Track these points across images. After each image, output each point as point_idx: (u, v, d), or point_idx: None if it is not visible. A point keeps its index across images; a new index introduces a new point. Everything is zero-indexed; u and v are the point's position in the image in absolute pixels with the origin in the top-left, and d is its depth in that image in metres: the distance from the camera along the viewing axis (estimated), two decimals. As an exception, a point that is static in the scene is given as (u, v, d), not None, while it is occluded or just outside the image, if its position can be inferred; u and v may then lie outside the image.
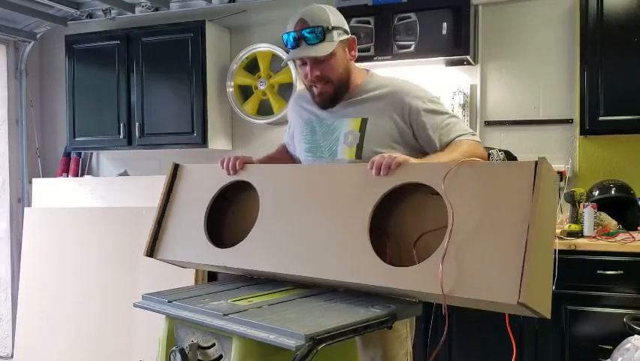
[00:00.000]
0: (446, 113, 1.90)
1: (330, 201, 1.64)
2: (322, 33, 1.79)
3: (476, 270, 1.36)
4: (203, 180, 1.96)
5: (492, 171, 1.43)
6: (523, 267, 1.28)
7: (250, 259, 1.75)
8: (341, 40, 1.85)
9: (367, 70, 2.00)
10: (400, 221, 1.63)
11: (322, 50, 1.80)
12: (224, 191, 1.94)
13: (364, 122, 1.85)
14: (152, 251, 1.97)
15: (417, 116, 1.85)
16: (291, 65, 1.88)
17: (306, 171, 1.73)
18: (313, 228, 1.64)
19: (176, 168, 2.03)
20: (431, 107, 1.87)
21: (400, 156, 1.62)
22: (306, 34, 1.78)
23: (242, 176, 1.87)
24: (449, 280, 1.38)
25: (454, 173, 1.44)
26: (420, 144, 1.88)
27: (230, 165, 1.88)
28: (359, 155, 1.83)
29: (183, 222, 1.93)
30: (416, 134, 1.86)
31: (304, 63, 1.85)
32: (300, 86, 3.83)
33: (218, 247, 1.85)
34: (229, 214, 2.00)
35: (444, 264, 1.38)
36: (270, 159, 2.17)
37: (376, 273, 1.51)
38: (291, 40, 1.80)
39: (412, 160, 1.63)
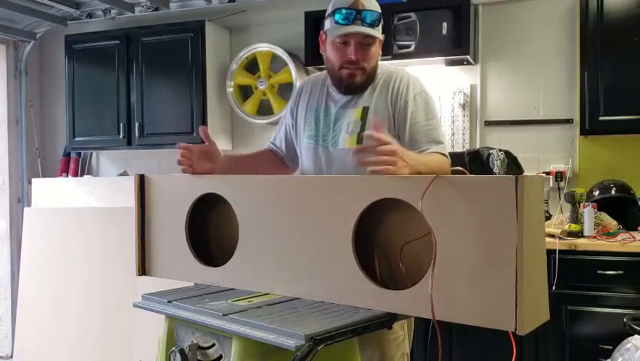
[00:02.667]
0: (431, 114, 1.88)
1: (310, 217, 1.58)
2: (378, 19, 1.82)
3: (468, 296, 1.32)
4: (175, 191, 1.89)
5: (471, 187, 1.34)
6: (516, 290, 1.25)
7: (240, 279, 1.71)
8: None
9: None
10: (385, 230, 1.58)
11: (376, 33, 1.83)
12: (200, 198, 1.87)
13: (365, 110, 1.88)
14: (143, 270, 1.94)
15: (404, 105, 1.86)
16: (329, 45, 1.78)
17: (279, 184, 1.67)
18: (297, 247, 1.60)
19: (142, 179, 1.95)
20: (419, 102, 1.87)
21: (404, 167, 1.50)
22: (367, 15, 1.79)
23: (213, 188, 1.80)
24: (442, 307, 1.35)
25: (432, 189, 1.36)
26: (395, 130, 1.87)
27: (184, 167, 1.87)
28: (359, 142, 1.84)
29: (166, 239, 1.88)
30: (395, 119, 1.86)
31: (346, 43, 1.83)
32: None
33: (206, 260, 1.82)
34: (209, 222, 1.94)
35: (433, 290, 1.34)
36: (246, 159, 2.18)
37: (367, 296, 1.48)
38: (351, 16, 1.79)
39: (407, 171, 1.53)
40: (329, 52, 1.89)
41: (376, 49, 1.87)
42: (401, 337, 1.88)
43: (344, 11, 1.79)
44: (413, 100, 1.86)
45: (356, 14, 1.79)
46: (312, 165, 1.97)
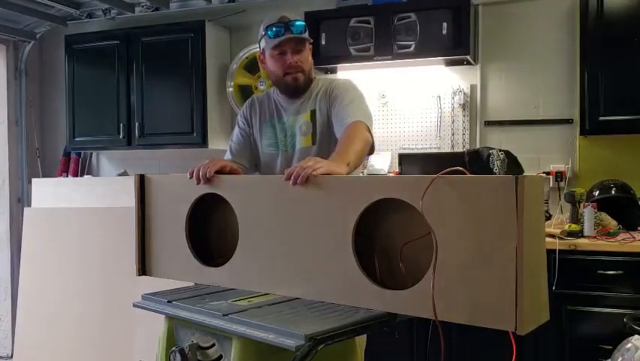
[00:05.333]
0: (354, 100, 2.08)
1: (310, 217, 1.58)
2: (304, 27, 2.09)
3: (468, 296, 1.32)
4: (175, 191, 1.89)
5: (471, 187, 1.33)
6: (516, 290, 1.25)
7: (240, 279, 1.72)
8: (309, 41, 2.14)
9: (315, 76, 2.24)
10: (385, 230, 1.58)
11: (305, 36, 2.09)
12: (201, 198, 1.86)
13: (313, 113, 2.13)
14: (143, 270, 1.95)
15: (334, 99, 2.09)
16: (269, 60, 1.90)
17: (279, 184, 1.66)
18: (297, 247, 1.60)
19: (142, 179, 1.95)
20: (346, 92, 2.09)
21: (321, 167, 1.59)
22: (295, 24, 2.05)
23: (213, 188, 1.78)
24: (442, 307, 1.35)
25: (432, 189, 1.35)
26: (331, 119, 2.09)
27: (200, 175, 1.79)
28: (314, 140, 2.11)
29: (166, 239, 1.88)
30: (329, 115, 2.09)
31: (282, 53, 2.07)
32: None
33: (206, 260, 1.82)
34: (209, 222, 1.94)
35: (434, 290, 1.34)
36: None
37: (367, 296, 1.49)
38: (281, 28, 2.05)
39: (335, 170, 1.63)
40: (270, 65, 2.14)
41: (308, 54, 2.14)
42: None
43: (275, 27, 2.06)
44: (341, 92, 2.11)
45: (285, 26, 2.05)
46: (275, 169, 2.17)
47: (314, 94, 2.16)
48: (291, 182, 1.59)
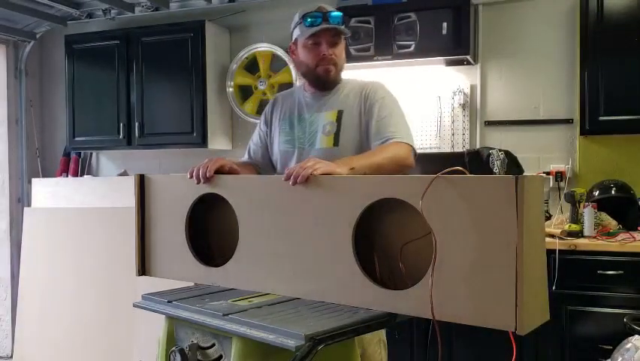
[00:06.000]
0: (394, 112, 1.99)
1: (310, 217, 1.58)
2: (342, 19, 2.00)
3: (468, 296, 1.32)
4: (175, 191, 1.88)
5: (471, 187, 1.33)
6: (516, 290, 1.25)
7: (240, 279, 1.72)
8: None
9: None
10: (385, 230, 1.58)
11: (343, 28, 2.00)
12: (201, 198, 1.86)
13: (340, 113, 2.02)
14: (143, 270, 1.95)
15: (371, 106, 2.00)
16: (301, 50, 1.86)
17: (279, 184, 1.66)
18: (297, 247, 1.60)
19: (142, 179, 1.95)
20: (383, 100, 2.00)
21: (321, 167, 1.59)
22: (332, 15, 1.97)
23: (213, 188, 1.78)
24: (442, 307, 1.35)
25: (432, 189, 1.36)
26: (365, 134, 2.00)
27: (200, 175, 1.79)
28: (336, 142, 1.99)
29: (166, 239, 1.88)
30: (362, 123, 1.99)
31: (317, 43, 1.99)
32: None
33: (206, 260, 1.82)
34: (209, 222, 1.93)
35: (433, 290, 1.35)
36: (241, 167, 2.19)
37: (367, 296, 1.49)
38: (319, 18, 1.96)
39: (334, 170, 1.61)
40: (302, 56, 2.05)
41: (343, 46, 2.06)
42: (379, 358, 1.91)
43: (312, 15, 1.98)
44: (380, 102, 2.00)
45: (323, 16, 1.97)
46: (290, 166, 2.02)
47: (343, 94, 2.06)
48: (290, 182, 1.58)
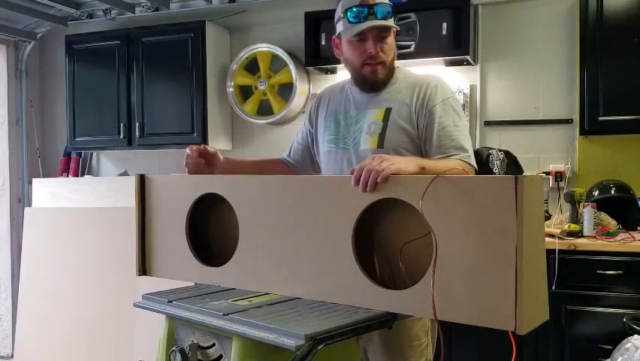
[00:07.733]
0: (459, 120, 1.84)
1: (310, 217, 1.58)
2: (390, 11, 1.82)
3: (468, 296, 1.32)
4: (175, 191, 1.88)
5: (471, 187, 1.33)
6: (516, 290, 1.25)
7: (240, 279, 1.72)
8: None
9: (397, 66, 1.96)
10: (385, 230, 1.58)
11: (390, 23, 1.82)
12: (201, 198, 1.86)
13: (388, 111, 1.85)
14: (143, 270, 1.94)
15: (430, 110, 1.82)
16: (346, 46, 1.77)
17: (279, 184, 1.65)
18: (297, 247, 1.60)
19: (142, 179, 1.95)
20: (448, 106, 1.83)
21: (390, 166, 1.45)
22: (378, 9, 1.79)
23: (213, 188, 1.79)
24: (441, 307, 1.35)
25: (432, 189, 1.36)
26: (419, 139, 1.84)
27: (191, 153, 1.85)
28: (381, 144, 1.83)
29: (166, 239, 1.88)
30: (419, 126, 1.83)
31: (362, 39, 1.82)
32: (300, 87, 3.83)
33: (206, 260, 1.82)
34: (209, 222, 1.94)
35: (434, 290, 1.35)
36: (251, 165, 2.16)
37: (367, 296, 1.49)
38: (363, 12, 1.79)
39: (404, 169, 1.49)
40: (347, 53, 1.88)
41: (392, 40, 1.86)
42: (424, 343, 1.85)
43: (355, 9, 1.79)
44: (441, 105, 1.82)
45: (368, 10, 1.78)
46: (333, 168, 1.94)
47: (393, 89, 1.88)
48: (360, 189, 1.46)
